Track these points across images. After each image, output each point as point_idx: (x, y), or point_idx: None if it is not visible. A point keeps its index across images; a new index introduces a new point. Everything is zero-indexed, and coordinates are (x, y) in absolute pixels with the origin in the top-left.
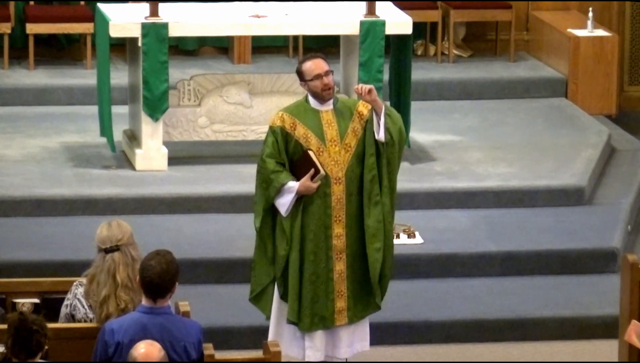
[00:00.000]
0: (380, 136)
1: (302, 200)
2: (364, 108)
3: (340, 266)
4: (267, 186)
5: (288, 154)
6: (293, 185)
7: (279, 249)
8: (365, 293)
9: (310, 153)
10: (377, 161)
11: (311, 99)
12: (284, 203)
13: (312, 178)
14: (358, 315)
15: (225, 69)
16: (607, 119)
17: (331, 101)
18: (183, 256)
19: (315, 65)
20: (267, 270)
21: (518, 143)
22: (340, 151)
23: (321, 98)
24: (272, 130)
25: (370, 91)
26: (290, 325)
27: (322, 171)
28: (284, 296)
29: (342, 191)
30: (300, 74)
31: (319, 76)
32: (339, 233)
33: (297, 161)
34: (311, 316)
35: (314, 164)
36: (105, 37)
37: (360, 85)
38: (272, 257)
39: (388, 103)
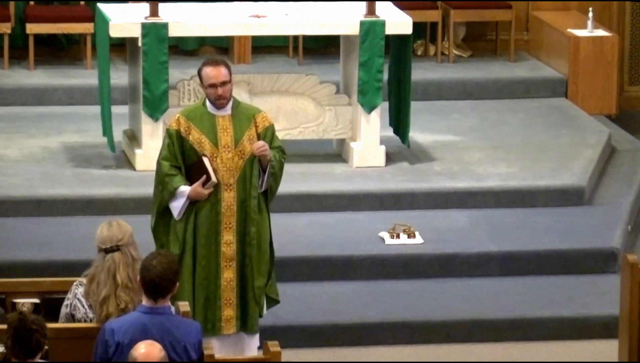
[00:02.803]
0: (261, 189)
1: (194, 205)
2: (262, 120)
3: (229, 274)
4: (162, 189)
5: (184, 158)
6: (184, 190)
7: (171, 249)
8: (255, 303)
9: (205, 159)
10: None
11: (208, 104)
12: (175, 207)
13: (204, 184)
14: (249, 323)
15: None
16: (607, 119)
17: (229, 106)
18: None
19: (213, 73)
20: None
21: (518, 143)
22: (234, 158)
23: (214, 105)
24: (168, 132)
25: (261, 148)
26: None
27: (213, 179)
28: (171, 299)
29: (232, 197)
30: (199, 76)
31: (213, 86)
32: (228, 240)
33: (192, 165)
34: (203, 322)
35: (206, 171)
36: (105, 37)
37: (261, 143)
38: None
39: (276, 158)
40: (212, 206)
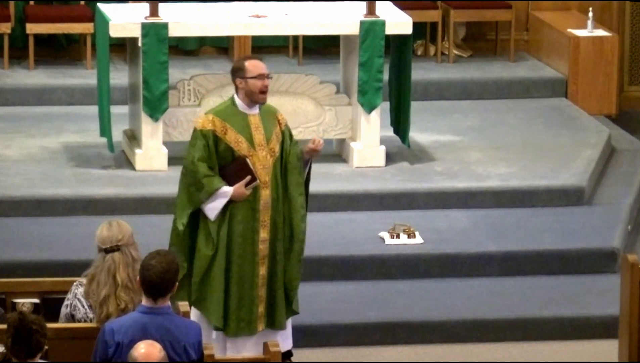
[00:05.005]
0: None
1: (229, 204)
2: (282, 118)
3: (263, 271)
4: (197, 190)
5: (218, 158)
6: (227, 190)
7: (204, 250)
8: (283, 299)
9: (248, 160)
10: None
11: (239, 102)
12: (214, 208)
13: (247, 184)
14: (278, 320)
15: (225, 69)
16: (607, 119)
17: (257, 105)
18: None
19: (260, 64)
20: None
21: (518, 143)
22: (267, 156)
23: (254, 100)
24: (202, 133)
25: (321, 141)
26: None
27: (258, 179)
28: (196, 303)
29: (268, 195)
30: (240, 70)
31: (262, 76)
32: (264, 237)
33: (229, 165)
34: (237, 321)
35: (250, 172)
36: (105, 37)
37: (319, 140)
38: (188, 257)
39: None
40: (249, 204)
